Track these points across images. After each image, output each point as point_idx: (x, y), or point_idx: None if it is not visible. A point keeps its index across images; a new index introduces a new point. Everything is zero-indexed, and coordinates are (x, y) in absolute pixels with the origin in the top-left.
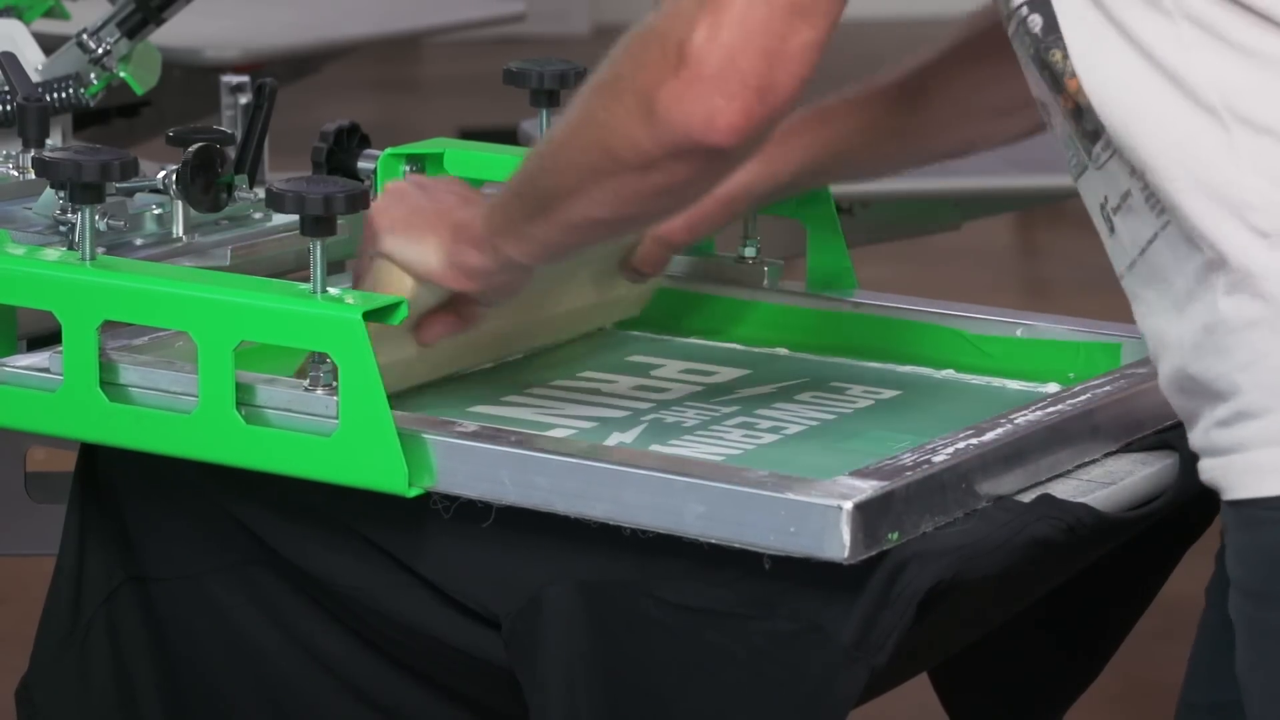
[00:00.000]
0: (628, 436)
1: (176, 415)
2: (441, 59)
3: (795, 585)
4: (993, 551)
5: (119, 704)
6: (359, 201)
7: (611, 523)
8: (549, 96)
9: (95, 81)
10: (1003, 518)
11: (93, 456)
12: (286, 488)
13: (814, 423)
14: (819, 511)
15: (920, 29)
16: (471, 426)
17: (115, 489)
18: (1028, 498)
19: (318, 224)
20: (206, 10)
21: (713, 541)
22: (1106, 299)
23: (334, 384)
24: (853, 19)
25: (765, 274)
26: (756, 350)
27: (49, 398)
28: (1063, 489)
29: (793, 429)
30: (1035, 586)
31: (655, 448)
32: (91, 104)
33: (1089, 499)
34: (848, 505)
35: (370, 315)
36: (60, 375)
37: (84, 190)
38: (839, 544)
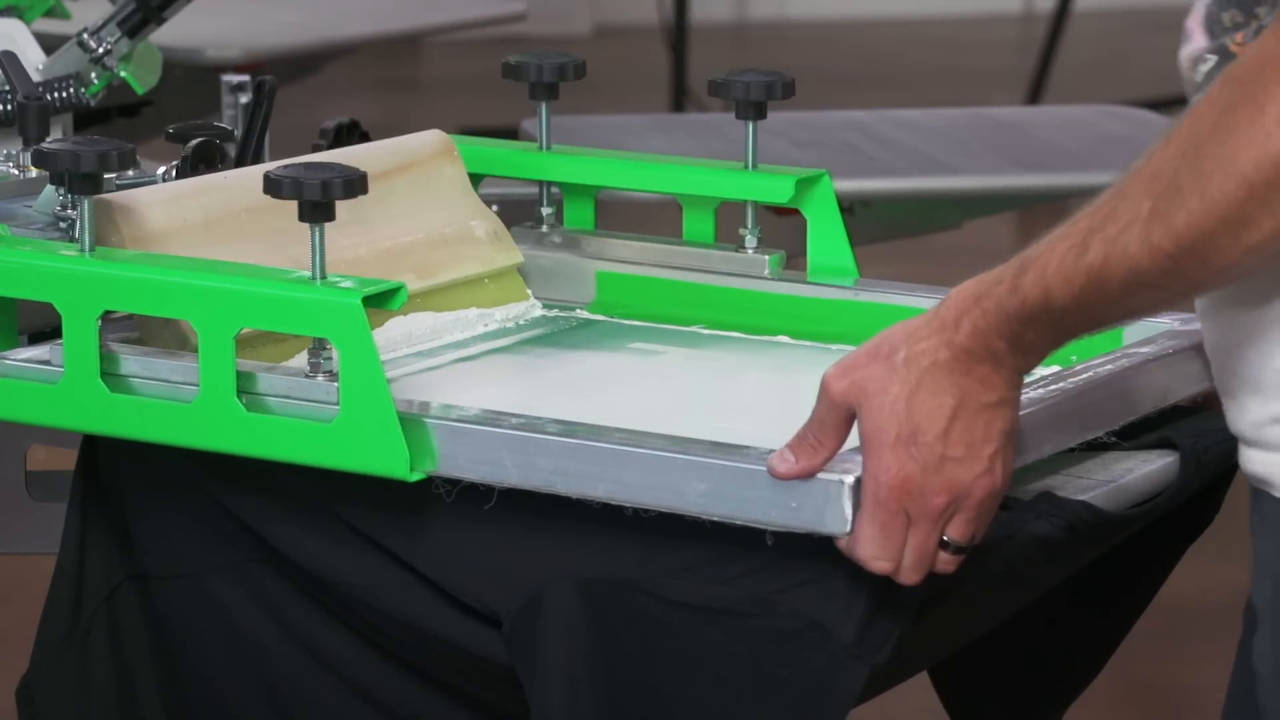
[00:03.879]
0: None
1: (177, 405)
2: (441, 59)
3: (796, 583)
4: (993, 549)
5: (119, 702)
6: (357, 186)
7: (613, 503)
8: (548, 90)
9: (96, 81)
10: (1003, 516)
11: (93, 455)
12: (287, 485)
13: None
14: (820, 486)
15: (921, 29)
16: (473, 410)
17: (116, 487)
18: (1028, 494)
19: (315, 209)
20: (207, 10)
21: (715, 519)
22: None
23: (334, 370)
24: (853, 19)
25: (766, 264)
26: (757, 338)
27: (50, 390)
28: (1063, 487)
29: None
30: (1035, 584)
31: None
32: (92, 103)
33: (1089, 497)
34: (849, 479)
35: (370, 300)
36: (61, 367)
37: (83, 180)
38: (841, 518)
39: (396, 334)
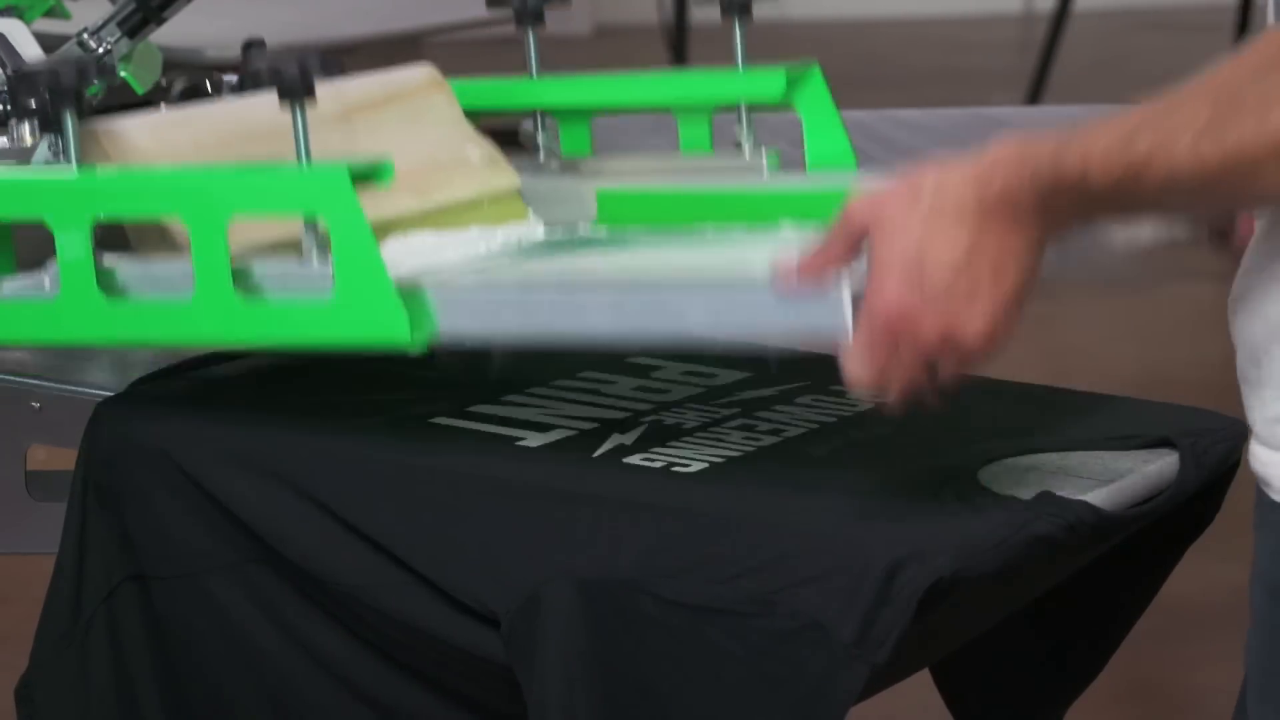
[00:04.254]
0: (628, 438)
1: (175, 303)
2: (441, 59)
3: (796, 583)
4: (993, 549)
5: (119, 702)
6: (334, 67)
7: (617, 340)
8: (534, 16)
9: (96, 81)
10: (1003, 515)
11: (93, 454)
12: (286, 483)
13: (815, 425)
14: (820, 294)
15: (921, 29)
16: (469, 279)
17: (115, 487)
18: (1028, 494)
19: (294, 89)
20: (207, 10)
21: (719, 339)
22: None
23: (327, 250)
24: (853, 19)
25: (764, 162)
26: (763, 228)
27: (48, 306)
28: (1063, 487)
29: (793, 431)
30: (1035, 584)
31: (655, 450)
32: (93, 104)
33: (1089, 496)
34: (846, 285)
35: (357, 175)
36: (57, 284)
37: (63, 95)
38: (841, 325)
39: (398, 252)
